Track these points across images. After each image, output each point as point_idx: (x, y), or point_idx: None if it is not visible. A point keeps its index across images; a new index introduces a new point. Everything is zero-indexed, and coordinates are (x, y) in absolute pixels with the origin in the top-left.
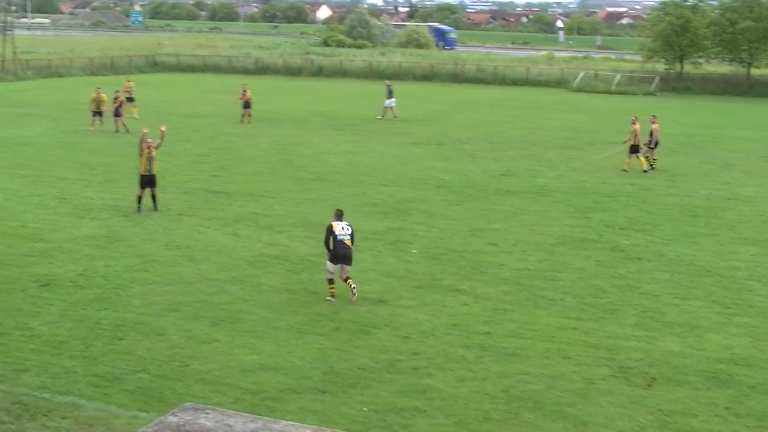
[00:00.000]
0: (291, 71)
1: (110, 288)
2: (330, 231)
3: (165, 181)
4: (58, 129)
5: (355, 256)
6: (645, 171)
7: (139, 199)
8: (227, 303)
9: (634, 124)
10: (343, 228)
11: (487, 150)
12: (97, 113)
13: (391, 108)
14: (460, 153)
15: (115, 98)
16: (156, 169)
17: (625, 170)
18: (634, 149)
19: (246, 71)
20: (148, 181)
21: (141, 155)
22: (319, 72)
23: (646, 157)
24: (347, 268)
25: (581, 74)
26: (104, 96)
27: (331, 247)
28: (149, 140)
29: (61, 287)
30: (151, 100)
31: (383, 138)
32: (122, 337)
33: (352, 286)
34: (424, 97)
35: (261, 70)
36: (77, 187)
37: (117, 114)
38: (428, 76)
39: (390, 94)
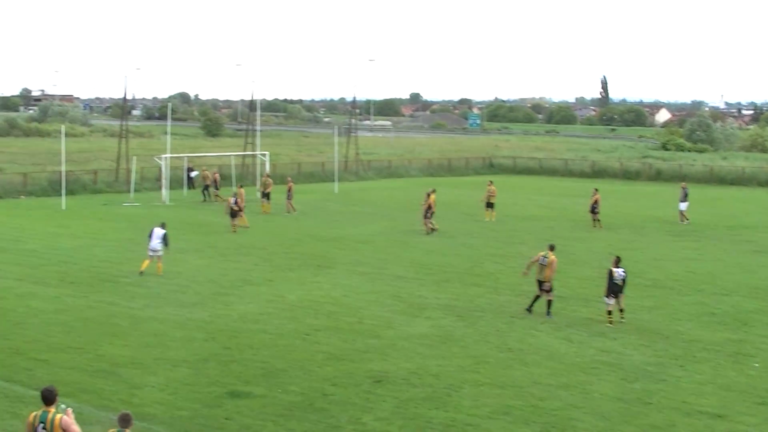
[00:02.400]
0: (628, 175)
1: (441, 387)
2: (610, 274)
3: (498, 282)
4: (395, 228)
5: (692, 368)
6: None
7: (536, 298)
8: (558, 409)
9: None
10: (620, 274)
11: None
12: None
13: (682, 211)
14: None
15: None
16: (548, 277)
17: None
18: None
19: (582, 174)
20: (541, 285)
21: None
22: (658, 176)
23: None
24: (620, 298)
25: None
26: (431, 199)
27: (607, 285)
28: (542, 255)
29: (394, 384)
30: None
31: (724, 245)
32: None
33: (622, 317)
34: None
35: (597, 173)
36: (412, 286)
37: (425, 216)
38: None
39: (685, 197)
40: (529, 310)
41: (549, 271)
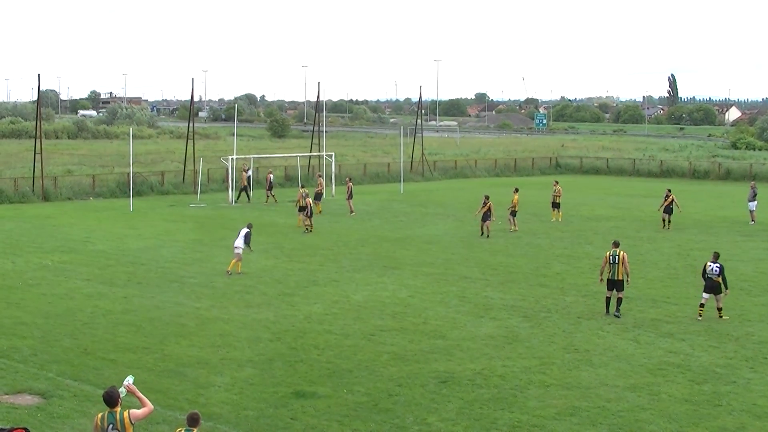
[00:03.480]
0: (697, 174)
1: (507, 388)
2: (704, 268)
3: (565, 283)
4: (462, 229)
5: (763, 369)
6: None
7: (608, 300)
8: (625, 411)
9: None
10: (713, 269)
11: None
12: (513, 213)
13: (751, 211)
14: None
15: (484, 203)
16: (621, 275)
17: None
18: None
19: (650, 174)
20: (612, 284)
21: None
22: (727, 175)
23: None
24: (718, 297)
25: None
26: (516, 198)
27: (704, 280)
28: (610, 254)
29: (459, 385)
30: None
31: None
32: None
33: (720, 316)
34: None
35: (665, 173)
36: (478, 286)
37: (483, 219)
38: None
39: (753, 197)
40: (609, 312)
41: (622, 267)
